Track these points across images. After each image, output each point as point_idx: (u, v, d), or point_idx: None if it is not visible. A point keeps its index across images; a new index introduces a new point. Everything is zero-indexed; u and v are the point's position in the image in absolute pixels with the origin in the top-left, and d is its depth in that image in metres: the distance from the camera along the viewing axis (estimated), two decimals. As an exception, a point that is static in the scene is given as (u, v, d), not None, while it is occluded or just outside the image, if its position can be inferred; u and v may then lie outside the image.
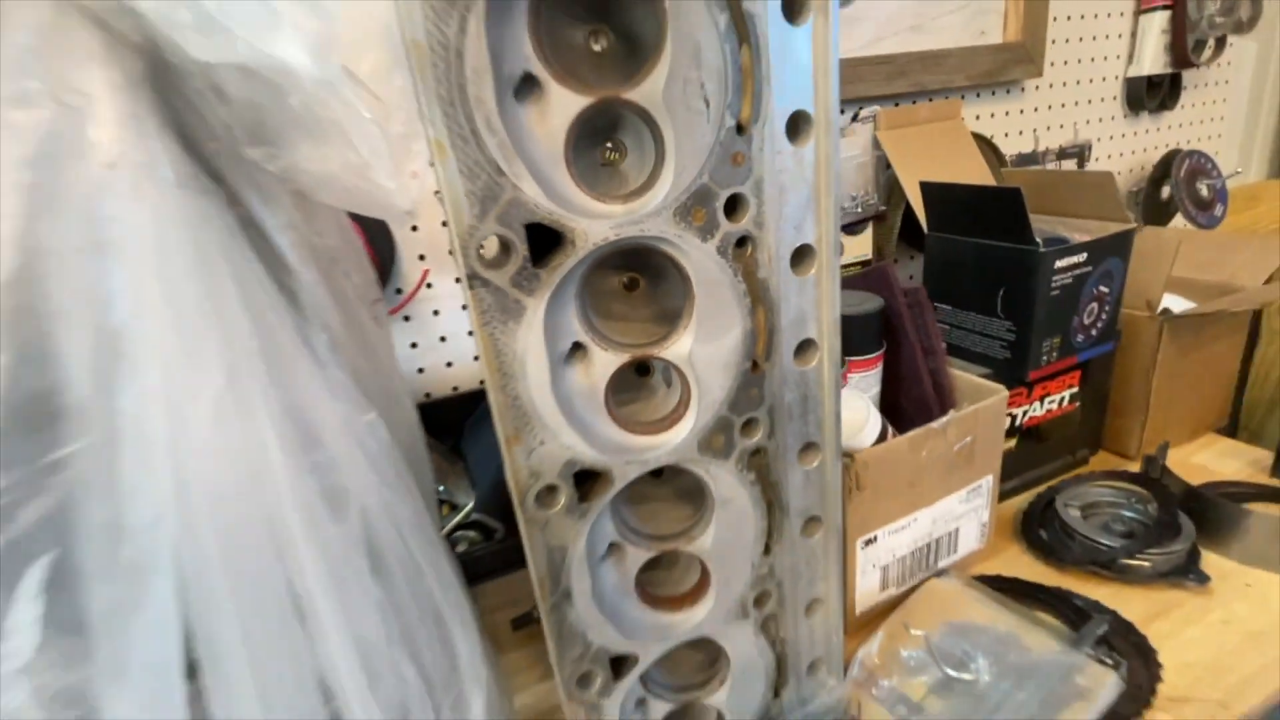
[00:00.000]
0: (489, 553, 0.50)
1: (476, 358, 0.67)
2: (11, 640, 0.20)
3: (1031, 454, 0.73)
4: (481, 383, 0.50)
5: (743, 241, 0.33)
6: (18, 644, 0.20)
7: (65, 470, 0.21)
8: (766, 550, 0.40)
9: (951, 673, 0.48)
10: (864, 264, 0.80)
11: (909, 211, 0.77)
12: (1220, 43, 0.92)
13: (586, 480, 0.34)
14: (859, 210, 0.76)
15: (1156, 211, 0.98)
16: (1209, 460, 0.76)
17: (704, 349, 0.33)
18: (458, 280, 0.68)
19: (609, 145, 0.32)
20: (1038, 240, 0.58)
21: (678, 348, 0.33)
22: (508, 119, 0.26)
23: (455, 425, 0.62)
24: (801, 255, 0.35)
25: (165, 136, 0.22)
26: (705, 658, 0.44)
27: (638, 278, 0.35)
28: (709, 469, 0.36)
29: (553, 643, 0.35)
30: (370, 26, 0.28)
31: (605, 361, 0.33)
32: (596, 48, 0.31)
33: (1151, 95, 0.96)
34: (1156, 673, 0.50)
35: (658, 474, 0.39)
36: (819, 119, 0.32)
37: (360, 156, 0.26)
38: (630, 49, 0.31)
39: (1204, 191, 0.95)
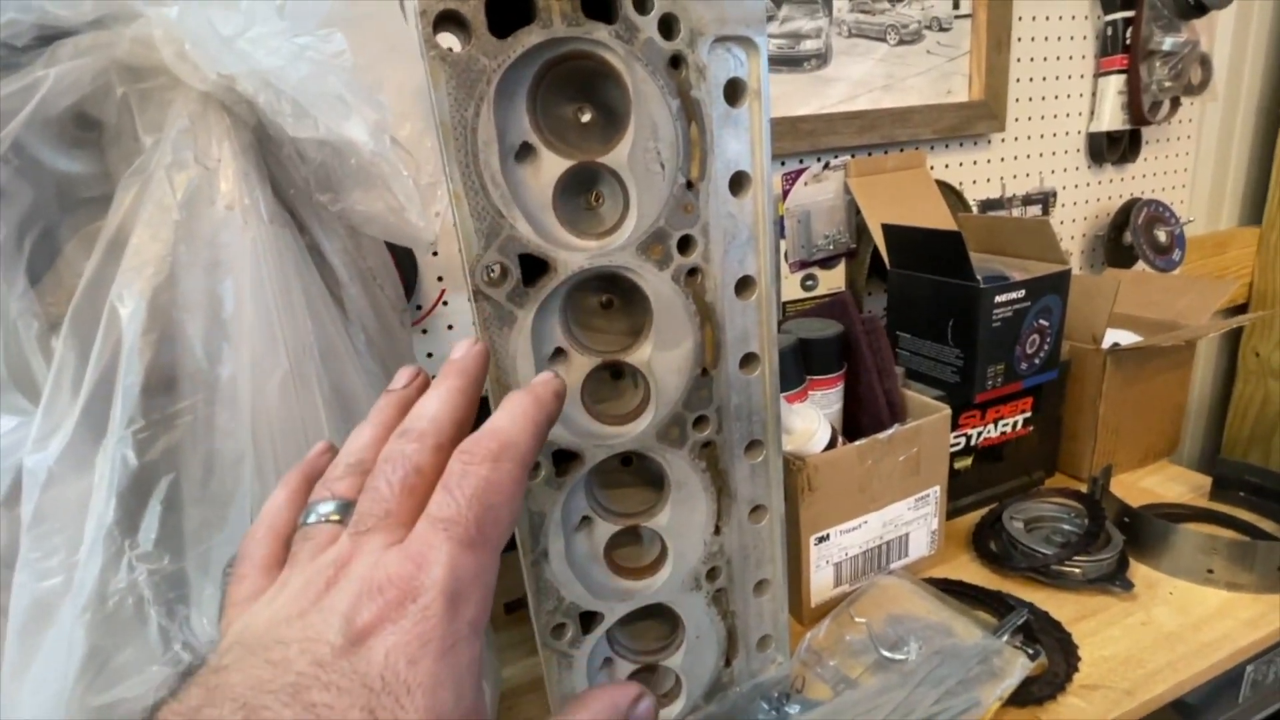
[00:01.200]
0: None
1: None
2: (142, 532, 0.28)
3: (988, 473, 0.80)
4: (486, 390, 0.59)
5: (693, 272, 0.41)
6: (145, 535, 0.28)
7: (181, 418, 0.29)
8: (717, 530, 0.47)
9: (886, 654, 0.55)
10: (822, 303, 0.88)
11: (876, 251, 0.85)
12: (1175, 103, 1.00)
13: (564, 460, 0.42)
14: (831, 248, 0.84)
15: (1119, 255, 1.05)
16: (1155, 485, 0.82)
17: (661, 356, 0.41)
18: (469, 299, 0.77)
19: (595, 194, 0.41)
20: (978, 278, 0.66)
21: (640, 354, 0.41)
22: (508, 176, 0.35)
23: (463, 428, 0.70)
24: (744, 284, 0.43)
25: (263, 187, 0.31)
26: (666, 629, 0.51)
27: (613, 299, 0.44)
28: (666, 456, 0.44)
29: (531, 595, 0.43)
30: (411, 102, 0.37)
31: (581, 364, 0.41)
32: (583, 119, 0.40)
33: (1112, 149, 1.04)
34: (1075, 663, 0.56)
35: (627, 463, 0.47)
36: (755, 177, 0.41)
37: (398, 201, 0.34)
38: (609, 120, 0.40)
39: (1162, 237, 1.02)
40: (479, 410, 0.68)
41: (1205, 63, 1.00)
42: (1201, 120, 1.15)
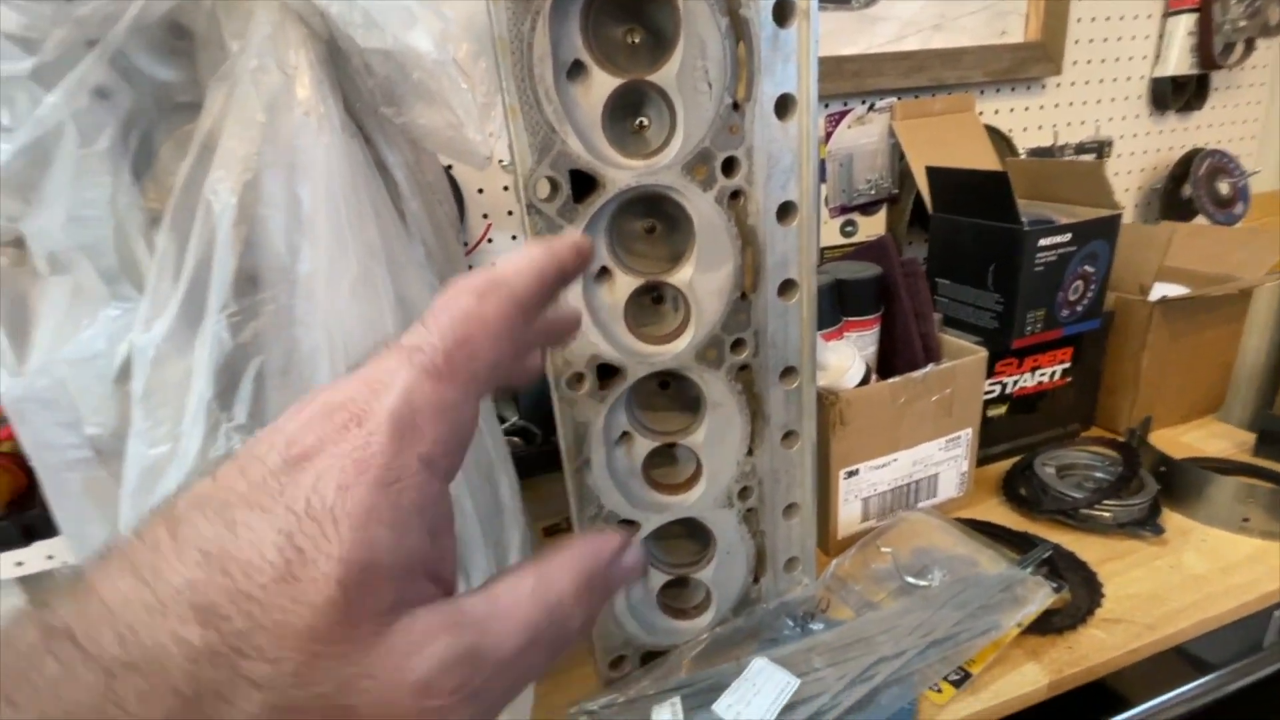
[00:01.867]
0: (531, 454, 0.61)
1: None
2: (236, 407, 0.31)
3: (1022, 423, 0.79)
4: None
5: (736, 194, 0.42)
6: (238, 410, 0.31)
7: (265, 307, 0.32)
8: (750, 452, 0.49)
9: (911, 580, 0.56)
10: (862, 246, 0.87)
11: (919, 198, 0.84)
12: (1249, 45, 0.95)
13: (607, 375, 0.44)
14: (873, 193, 0.83)
15: (1177, 209, 1.01)
16: (1197, 440, 0.81)
17: (702, 278, 0.43)
18: (514, 237, 0.79)
19: (640, 119, 0.42)
20: (1023, 220, 0.65)
21: (682, 275, 0.43)
22: (561, 92, 0.37)
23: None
24: (785, 210, 0.44)
25: (335, 96, 0.33)
26: (698, 546, 0.54)
27: (656, 224, 0.45)
28: (704, 376, 0.46)
29: (574, 501, 0.46)
30: (466, 24, 0.38)
31: (625, 283, 0.43)
32: (632, 41, 0.40)
33: (1177, 96, 0.99)
34: (1098, 598, 0.57)
35: (664, 386, 0.49)
36: (801, 101, 0.41)
37: (456, 117, 0.36)
38: (657, 42, 0.40)
39: (1224, 189, 0.98)
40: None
41: (1287, 1, 0.93)
42: (1278, 66, 1.08)
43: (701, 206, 0.41)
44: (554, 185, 0.38)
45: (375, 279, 0.35)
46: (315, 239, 0.32)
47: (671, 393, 0.50)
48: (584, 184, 0.39)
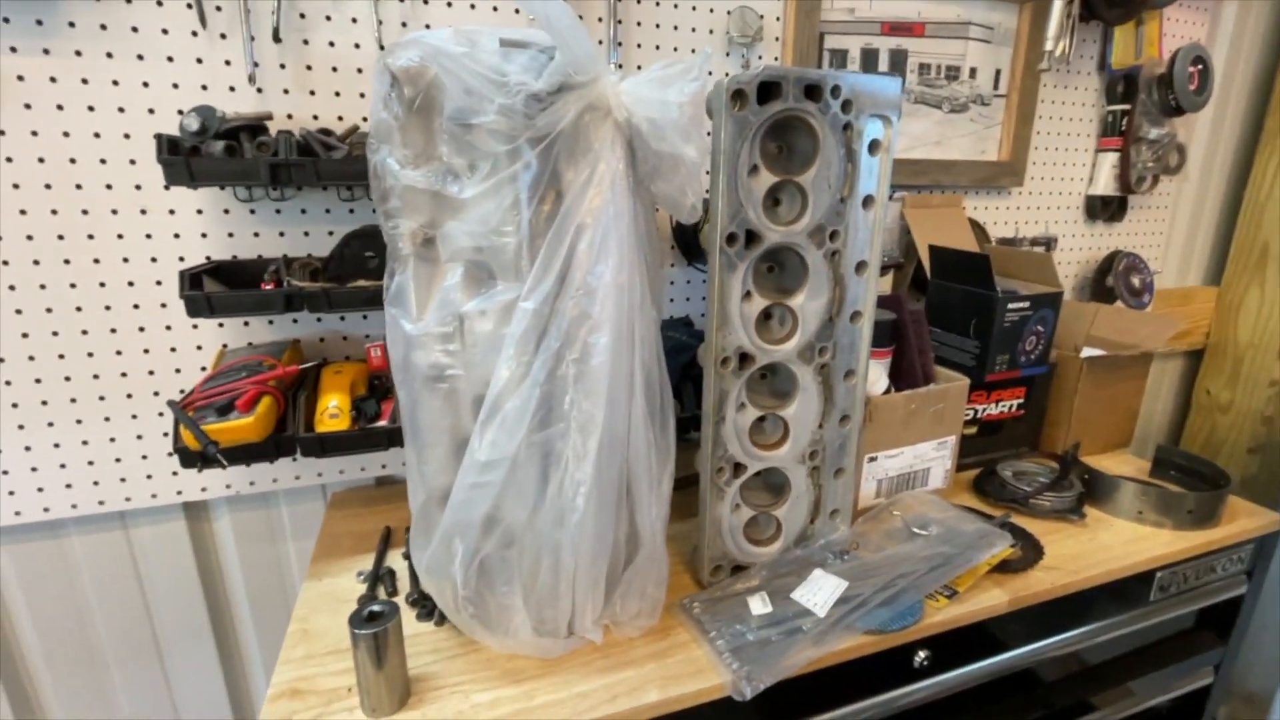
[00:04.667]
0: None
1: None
2: (573, 349, 0.52)
3: (986, 443, 1.05)
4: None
5: (835, 253, 0.66)
6: (571, 350, 0.53)
7: (585, 286, 0.54)
8: (820, 425, 0.72)
9: (915, 530, 0.80)
10: (882, 298, 1.13)
11: (918, 266, 1.11)
12: (1155, 179, 1.28)
13: (743, 360, 0.67)
14: (884, 260, 1.10)
15: (1102, 294, 1.32)
16: (1110, 464, 1.08)
17: (809, 303, 0.67)
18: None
19: (775, 200, 0.66)
20: (998, 290, 0.92)
21: (796, 300, 0.67)
22: (746, 182, 0.61)
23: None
24: (861, 266, 0.68)
25: (630, 173, 0.56)
26: (772, 495, 0.76)
27: (773, 267, 0.69)
28: (800, 368, 0.69)
29: (709, 446, 0.68)
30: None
31: (759, 301, 0.66)
32: (776, 153, 0.65)
33: (1104, 209, 1.31)
34: (1040, 554, 0.81)
35: (763, 376, 0.72)
36: (878, 199, 0.66)
37: (682, 189, 0.59)
38: (790, 155, 0.65)
39: (1136, 283, 1.29)
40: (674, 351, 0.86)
41: (1181, 150, 1.27)
42: (1178, 195, 1.42)
43: (815, 259, 0.65)
44: (734, 238, 0.62)
45: (635, 283, 0.57)
46: (613, 257, 0.55)
47: (768, 381, 0.73)
48: (749, 239, 0.63)
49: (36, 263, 0.75)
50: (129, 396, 0.81)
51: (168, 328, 0.81)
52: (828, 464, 0.75)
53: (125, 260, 0.77)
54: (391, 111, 0.51)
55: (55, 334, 0.77)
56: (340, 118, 0.81)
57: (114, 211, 0.76)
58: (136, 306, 0.79)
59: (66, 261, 0.76)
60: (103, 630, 0.91)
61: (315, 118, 0.80)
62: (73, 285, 0.77)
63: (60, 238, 0.75)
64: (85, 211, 0.75)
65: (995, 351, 0.95)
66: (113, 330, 0.79)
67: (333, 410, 0.75)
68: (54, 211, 0.74)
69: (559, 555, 0.58)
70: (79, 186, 0.74)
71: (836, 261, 0.67)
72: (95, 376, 0.80)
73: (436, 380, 0.55)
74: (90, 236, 0.76)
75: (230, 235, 0.80)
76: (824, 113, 0.61)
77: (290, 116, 0.79)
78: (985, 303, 0.94)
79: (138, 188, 0.76)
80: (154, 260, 0.78)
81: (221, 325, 0.83)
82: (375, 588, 0.73)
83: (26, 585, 0.86)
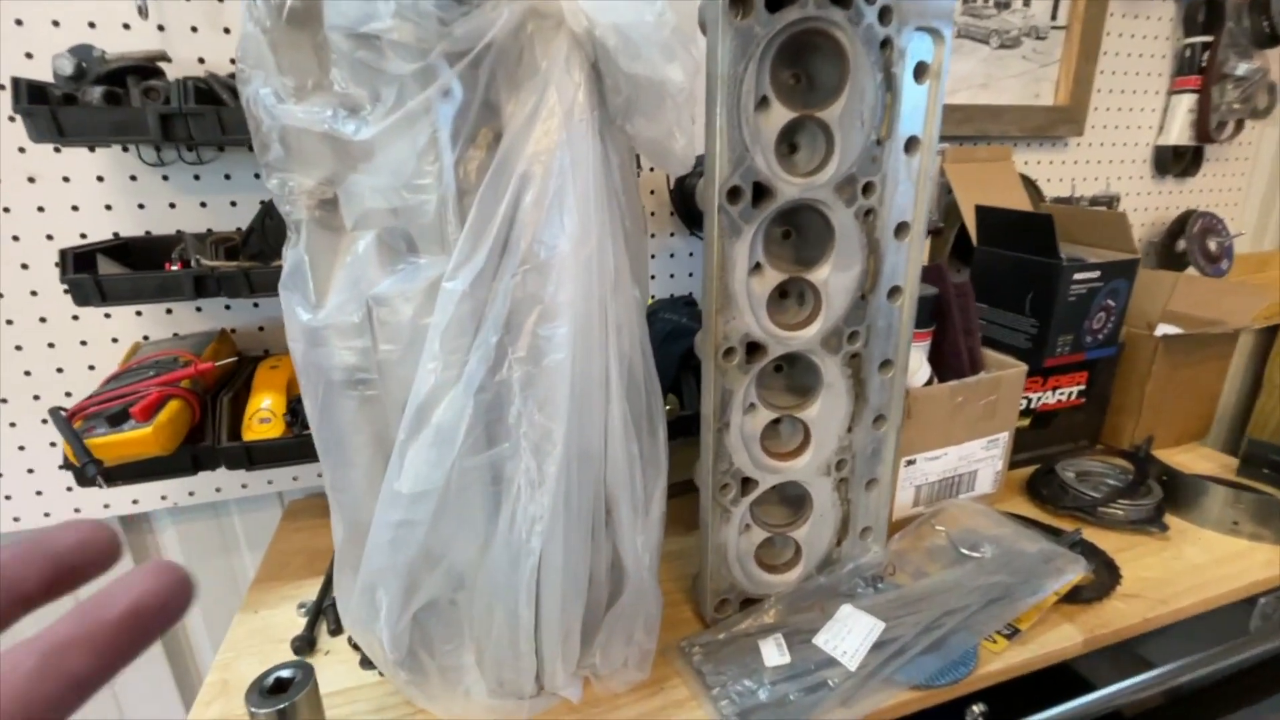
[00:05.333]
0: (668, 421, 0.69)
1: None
2: (519, 344, 0.39)
3: (1041, 436, 0.90)
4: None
5: (869, 212, 0.52)
6: (520, 346, 0.39)
7: (532, 271, 0.40)
8: (850, 429, 0.59)
9: (965, 551, 0.66)
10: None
11: (960, 231, 0.96)
12: (1239, 125, 1.09)
13: (753, 350, 0.53)
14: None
15: (1171, 261, 1.15)
16: (1188, 460, 0.93)
17: (836, 277, 0.52)
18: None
19: (791, 144, 0.52)
20: (1063, 258, 0.77)
21: (819, 274, 0.52)
22: (753, 119, 0.46)
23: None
24: (901, 228, 0.54)
25: (596, 107, 0.42)
26: (790, 512, 0.62)
27: (790, 231, 0.54)
28: (824, 359, 0.55)
29: (711, 457, 0.54)
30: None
31: (772, 276, 0.52)
32: (792, 83, 0.50)
33: (1176, 162, 1.13)
34: (1117, 578, 0.67)
35: (778, 370, 0.58)
36: (924, 143, 0.51)
37: (670, 132, 0.45)
38: (810, 86, 0.50)
39: (1213, 247, 1.11)
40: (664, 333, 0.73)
41: (1273, 89, 1.08)
42: (1260, 143, 1.23)
43: (843, 219, 0.51)
44: (739, 192, 0.47)
45: (605, 252, 0.44)
46: (570, 221, 0.41)
47: (784, 376, 0.59)
48: (758, 193, 0.48)
49: (-89, 244, 0.63)
50: (36, 399, 0.70)
51: (74, 318, 0.69)
52: (858, 475, 0.61)
53: (15, 239, 0.65)
54: (260, 23, 0.37)
55: (-57, 328, 0.66)
56: (266, 63, 0.67)
57: (-2, 181, 0.64)
58: (34, 294, 0.67)
59: (-53, 242, 0.64)
60: (37, 657, 0.81)
61: (233, 61, 0.66)
62: (-42, 270, 0.65)
63: (-63, 214, 0.63)
64: (-37, 181, 0.63)
65: (1057, 331, 0.80)
66: (9, 322, 0.67)
67: (264, 414, 0.63)
68: (-75, 182, 0.62)
69: (516, 605, 0.45)
70: (-48, 151, 0.62)
71: (871, 223, 0.52)
72: (-4, 376, 0.69)
73: (347, 386, 0.42)
74: (-28, 212, 0.64)
75: (141, 207, 0.68)
76: (855, 24, 0.46)
77: (202, 60, 0.65)
78: (1046, 272, 0.78)
79: (21, 150, 0.63)
80: (49, 238, 0.66)
81: (140, 314, 0.71)
82: (316, 625, 0.62)
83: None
